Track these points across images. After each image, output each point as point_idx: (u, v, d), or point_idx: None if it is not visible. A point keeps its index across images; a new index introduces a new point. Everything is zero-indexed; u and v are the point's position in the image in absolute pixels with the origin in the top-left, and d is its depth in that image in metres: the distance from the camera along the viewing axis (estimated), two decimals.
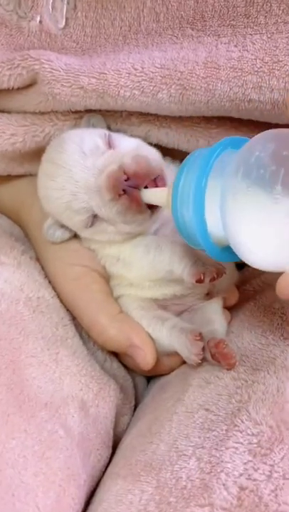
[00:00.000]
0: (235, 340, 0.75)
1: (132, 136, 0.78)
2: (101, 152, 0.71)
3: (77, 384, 0.72)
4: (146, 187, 0.68)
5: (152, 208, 0.70)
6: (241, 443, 0.60)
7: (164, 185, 0.70)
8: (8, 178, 0.85)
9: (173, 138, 0.78)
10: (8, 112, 0.79)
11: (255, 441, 0.59)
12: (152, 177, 0.69)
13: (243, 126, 0.78)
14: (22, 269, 0.78)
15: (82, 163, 0.71)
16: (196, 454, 0.61)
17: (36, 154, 0.79)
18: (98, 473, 0.70)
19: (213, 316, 0.77)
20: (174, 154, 0.81)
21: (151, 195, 0.67)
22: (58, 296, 0.79)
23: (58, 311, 0.77)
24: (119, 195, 0.68)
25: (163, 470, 0.61)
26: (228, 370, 0.69)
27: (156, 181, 0.69)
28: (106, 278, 0.79)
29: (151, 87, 0.72)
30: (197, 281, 0.69)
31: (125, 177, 0.67)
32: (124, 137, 0.76)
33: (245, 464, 0.58)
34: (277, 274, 0.58)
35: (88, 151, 0.71)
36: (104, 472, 0.71)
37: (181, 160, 0.80)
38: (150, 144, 0.78)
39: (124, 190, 0.68)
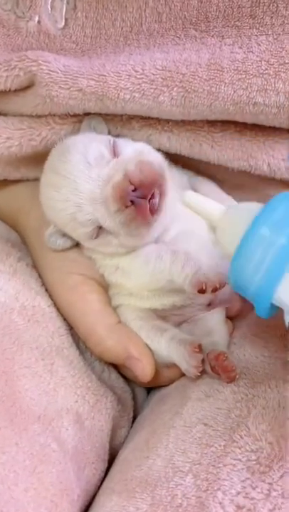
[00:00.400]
0: (237, 352, 0.73)
1: (132, 140, 0.76)
2: (106, 161, 0.69)
3: (73, 396, 0.70)
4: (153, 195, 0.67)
5: (154, 215, 0.68)
6: (239, 459, 0.58)
7: (162, 193, 0.68)
8: (5, 182, 0.83)
9: (175, 143, 0.76)
10: (5, 115, 0.78)
11: (253, 457, 0.57)
12: (159, 183, 0.67)
13: (247, 130, 0.76)
14: (18, 276, 0.76)
15: (86, 173, 0.69)
16: (192, 470, 0.59)
17: (33, 159, 0.77)
18: (93, 487, 0.68)
19: (214, 327, 0.75)
20: (176, 160, 0.79)
21: (201, 202, 0.62)
22: (55, 304, 0.77)
23: (55, 321, 0.75)
24: (126, 207, 0.66)
25: (158, 487, 0.59)
26: (228, 383, 0.67)
27: (160, 186, 0.67)
28: (104, 287, 0.77)
29: (152, 90, 0.70)
30: (199, 292, 0.67)
31: (132, 187, 0.66)
32: (129, 142, 0.74)
33: (242, 481, 0.56)
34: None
35: (93, 160, 0.69)
36: (99, 486, 0.69)
37: (183, 165, 0.80)
38: None
39: (131, 201, 0.66)
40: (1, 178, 0.82)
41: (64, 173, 0.70)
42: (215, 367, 0.67)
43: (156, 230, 0.71)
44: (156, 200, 0.67)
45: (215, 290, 0.66)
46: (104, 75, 0.70)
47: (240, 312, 0.81)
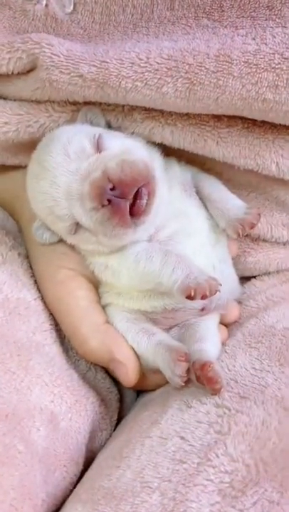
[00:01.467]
0: (227, 362, 0.67)
1: (133, 134, 0.72)
2: (86, 156, 0.65)
3: (49, 395, 0.66)
4: (135, 196, 0.62)
5: (135, 218, 0.63)
6: (212, 480, 0.53)
7: (151, 193, 0.63)
8: (4, 168, 0.79)
9: (178, 137, 0.71)
10: (5, 99, 0.74)
11: (227, 479, 0.53)
12: (140, 184, 0.62)
13: (256, 127, 0.71)
14: (6, 266, 0.73)
15: (65, 166, 0.65)
16: (160, 487, 0.54)
17: (31, 146, 0.72)
18: (62, 491, 0.64)
19: (206, 334, 0.70)
20: (180, 155, 0.74)
21: None
22: (43, 298, 0.73)
23: (39, 315, 0.71)
24: (103, 206, 0.62)
25: (123, 501, 0.54)
26: (212, 395, 0.62)
27: (142, 188, 0.63)
28: (95, 283, 0.73)
29: (156, 80, 0.65)
30: (187, 298, 0.62)
31: (110, 185, 0.61)
32: (118, 138, 0.69)
33: (212, 505, 0.51)
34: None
35: (73, 153, 0.65)
36: (72, 490, 0.64)
37: (187, 161, 0.75)
38: (153, 143, 0.72)
39: (108, 200, 0.62)
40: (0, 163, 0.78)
41: (45, 164, 0.66)
42: (200, 377, 0.62)
43: (142, 231, 0.66)
44: (144, 201, 0.63)
45: (204, 297, 0.62)
46: (107, 62, 0.65)
47: (237, 319, 0.76)
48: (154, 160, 0.69)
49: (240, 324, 0.74)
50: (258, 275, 0.84)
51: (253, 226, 0.70)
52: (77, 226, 0.66)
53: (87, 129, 0.68)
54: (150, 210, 0.64)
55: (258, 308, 0.77)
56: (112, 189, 0.61)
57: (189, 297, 0.62)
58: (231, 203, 0.73)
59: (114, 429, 0.74)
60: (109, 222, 0.62)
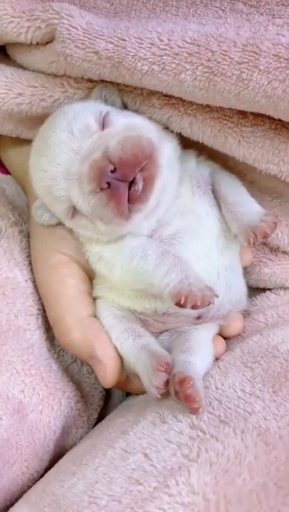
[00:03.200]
0: (217, 378, 0.60)
1: (149, 119, 0.64)
2: (90, 134, 0.59)
3: (19, 384, 0.60)
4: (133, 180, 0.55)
5: (132, 204, 0.56)
6: (164, 510, 0.46)
7: (149, 178, 0.56)
8: (19, 142, 0.73)
9: (197, 129, 0.63)
10: (23, 69, 0.67)
11: None
12: (143, 163, 0.55)
13: (285, 129, 0.62)
14: (2, 242, 0.68)
15: (68, 144, 0.59)
16: (108, 507, 0.48)
17: None
18: (19, 487, 0.59)
19: (196, 346, 0.62)
20: (202, 147, 0.66)
21: None
22: (35, 280, 0.67)
23: (26, 298, 0.66)
24: (101, 189, 0.55)
25: None
26: (191, 413, 0.55)
27: (139, 173, 0.56)
28: (90, 273, 0.66)
29: (174, 65, 0.57)
30: (176, 305, 0.55)
31: (111, 167, 0.55)
32: (126, 115, 0.62)
33: None
34: None
35: (77, 131, 0.59)
36: (30, 487, 0.59)
37: (209, 155, 0.67)
38: (171, 132, 0.65)
39: (108, 184, 0.55)
40: (13, 135, 0.71)
41: (48, 140, 0.60)
42: (178, 392, 0.55)
43: (141, 222, 0.59)
44: (139, 186, 0.56)
45: (195, 307, 0.55)
46: (125, 40, 0.58)
47: (240, 333, 0.68)
48: (164, 145, 0.61)
49: (242, 339, 0.67)
50: (274, 288, 0.75)
51: (266, 236, 0.61)
52: (75, 210, 0.60)
53: (96, 106, 0.61)
54: (147, 198, 0.57)
55: (266, 324, 0.69)
56: (112, 171, 0.55)
57: (179, 304, 0.55)
58: (247, 208, 0.64)
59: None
60: (106, 207, 0.56)
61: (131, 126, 0.59)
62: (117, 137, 0.56)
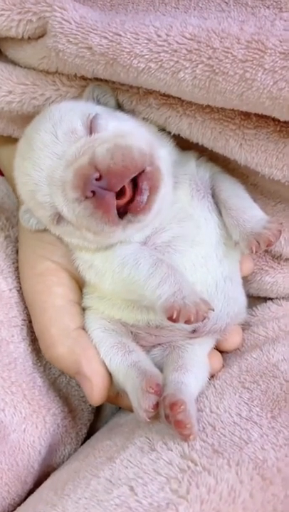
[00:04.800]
0: (212, 400, 0.53)
1: (147, 121, 0.57)
2: (76, 138, 0.52)
3: None
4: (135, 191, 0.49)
5: (134, 215, 0.50)
6: None
7: (154, 187, 0.50)
8: (11, 141, 0.65)
9: (197, 131, 0.56)
10: (14, 65, 0.60)
11: None
12: (131, 175, 0.49)
13: None
14: None
15: (51, 148, 0.52)
16: None
17: None
18: None
19: (190, 363, 0.55)
20: (201, 149, 0.59)
21: None
22: (20, 289, 0.61)
23: (10, 308, 0.60)
24: (86, 197, 0.49)
25: None
26: (182, 440, 0.48)
27: (144, 182, 0.49)
28: (79, 282, 0.59)
29: (172, 63, 0.50)
30: (169, 319, 0.49)
31: (97, 175, 0.48)
32: (117, 119, 0.55)
33: None
34: None
35: (61, 134, 0.52)
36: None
37: (210, 157, 0.61)
38: (169, 133, 0.58)
39: (93, 192, 0.49)
40: (5, 133, 0.64)
41: (32, 143, 0.54)
42: (169, 417, 0.48)
43: (135, 232, 0.53)
44: (144, 197, 0.50)
45: (189, 322, 0.48)
46: (120, 35, 0.51)
47: (238, 347, 0.62)
48: (160, 150, 0.55)
49: (241, 354, 0.60)
50: (275, 298, 0.68)
51: (270, 244, 0.54)
52: (60, 217, 0.53)
53: (85, 107, 0.55)
54: (151, 208, 0.51)
55: (266, 338, 0.62)
56: (98, 179, 0.48)
57: (171, 319, 0.48)
58: (250, 214, 0.57)
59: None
60: (92, 216, 0.49)
61: (121, 133, 0.52)
62: (105, 144, 0.49)
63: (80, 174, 0.49)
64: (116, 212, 0.49)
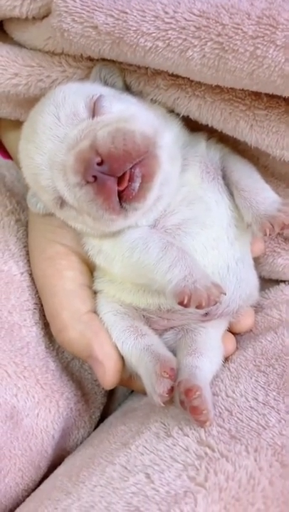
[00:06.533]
0: (227, 384, 0.50)
1: (155, 102, 0.53)
2: (78, 120, 0.48)
3: (11, 388, 0.51)
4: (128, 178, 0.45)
5: (126, 203, 0.46)
6: None
7: (148, 175, 0.46)
8: (19, 124, 0.60)
9: (206, 113, 0.52)
10: (20, 47, 0.56)
11: None
12: (134, 160, 0.45)
13: None
14: None
15: (53, 131, 0.49)
16: None
17: None
18: (12, 499, 0.50)
19: (204, 347, 0.52)
20: (211, 129, 0.55)
21: None
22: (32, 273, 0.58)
23: (22, 292, 0.57)
24: (87, 182, 0.45)
25: None
26: (198, 426, 0.45)
27: (137, 168, 0.46)
28: (90, 265, 0.56)
29: (180, 41, 0.46)
30: (180, 304, 0.45)
31: (98, 159, 0.45)
32: (121, 101, 0.51)
33: None
34: None
35: (64, 116, 0.49)
36: (27, 496, 0.50)
37: (220, 138, 0.56)
38: (177, 115, 0.54)
39: (94, 177, 0.45)
40: (12, 118, 0.60)
41: (35, 126, 0.50)
42: (184, 402, 0.45)
43: (137, 218, 0.50)
44: (136, 184, 0.46)
45: (200, 307, 0.45)
46: (126, 12, 0.47)
47: (251, 329, 0.58)
48: (165, 134, 0.51)
49: (255, 337, 0.56)
50: (288, 280, 0.64)
51: (284, 227, 0.51)
52: (63, 201, 0.50)
53: (90, 89, 0.51)
54: (146, 196, 0.47)
55: (280, 320, 0.58)
56: (99, 164, 0.45)
57: (182, 303, 0.45)
58: (263, 195, 0.53)
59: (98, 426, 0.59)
60: (93, 202, 0.46)
61: (125, 116, 0.48)
62: (107, 128, 0.46)
63: (81, 158, 0.45)
64: (117, 199, 0.46)
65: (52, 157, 0.48)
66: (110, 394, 0.64)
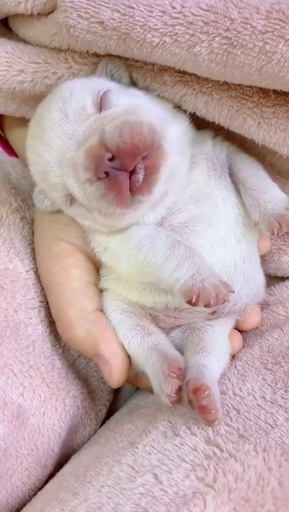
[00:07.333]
0: (234, 382, 0.49)
1: (161, 98, 0.52)
2: (86, 116, 0.47)
3: (17, 387, 0.50)
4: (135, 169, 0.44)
5: (134, 195, 0.45)
6: None
7: (152, 167, 0.44)
8: (25, 122, 0.59)
9: (213, 110, 0.51)
10: (25, 43, 0.55)
11: None
12: (144, 152, 0.44)
13: None
14: (1, 231, 0.57)
15: (62, 127, 0.47)
16: None
17: None
18: (19, 499, 0.49)
19: (212, 345, 0.51)
20: (217, 127, 0.53)
21: None
22: (37, 271, 0.56)
23: (27, 290, 0.55)
24: (98, 178, 0.44)
25: None
26: (206, 425, 0.44)
27: (147, 157, 0.44)
28: (97, 263, 0.55)
29: (188, 36, 0.44)
30: (188, 302, 0.44)
31: (109, 155, 0.43)
32: (129, 94, 0.49)
33: None
34: None
35: (72, 112, 0.47)
36: (34, 495, 0.49)
37: (226, 135, 0.55)
38: (184, 112, 0.52)
39: (106, 173, 0.43)
40: (18, 115, 0.59)
41: (42, 122, 0.48)
42: (192, 402, 0.44)
43: (146, 213, 0.48)
44: (140, 176, 0.44)
45: (208, 306, 0.43)
46: (133, 8, 0.45)
47: (257, 326, 0.57)
48: (172, 127, 0.49)
49: (261, 334, 0.55)
50: None
51: None
52: (72, 198, 0.48)
53: (96, 84, 0.49)
54: (150, 189, 0.45)
55: (286, 317, 0.57)
56: (110, 159, 0.43)
57: (190, 302, 0.44)
58: (271, 194, 0.52)
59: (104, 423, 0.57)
60: (104, 198, 0.45)
61: (132, 108, 0.46)
62: (114, 121, 0.44)
63: (92, 155, 0.44)
64: (129, 193, 0.44)
65: (61, 154, 0.47)
66: (116, 391, 0.62)
